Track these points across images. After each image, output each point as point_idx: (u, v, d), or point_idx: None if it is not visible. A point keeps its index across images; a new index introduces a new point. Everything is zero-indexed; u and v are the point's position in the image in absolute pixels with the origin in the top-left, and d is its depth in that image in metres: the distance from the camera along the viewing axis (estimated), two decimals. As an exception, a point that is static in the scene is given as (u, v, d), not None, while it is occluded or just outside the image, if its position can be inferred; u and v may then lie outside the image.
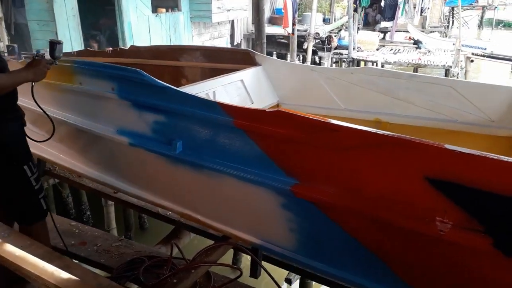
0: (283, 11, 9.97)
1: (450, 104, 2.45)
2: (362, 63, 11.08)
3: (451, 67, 10.33)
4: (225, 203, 2.06)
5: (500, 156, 1.20)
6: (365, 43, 12.32)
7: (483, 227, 1.28)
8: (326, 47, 11.32)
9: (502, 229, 1.26)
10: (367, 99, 2.68)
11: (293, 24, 8.54)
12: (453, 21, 20.05)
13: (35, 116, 2.85)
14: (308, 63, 9.98)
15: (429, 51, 11.87)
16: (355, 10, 12.24)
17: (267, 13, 11.38)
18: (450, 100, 2.44)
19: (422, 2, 14.33)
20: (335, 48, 11.75)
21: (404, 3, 13.47)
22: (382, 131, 1.40)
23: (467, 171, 1.27)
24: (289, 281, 3.49)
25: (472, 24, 24.52)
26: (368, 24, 16.24)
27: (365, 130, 1.42)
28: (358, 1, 13.55)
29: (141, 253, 2.69)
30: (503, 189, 1.22)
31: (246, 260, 4.96)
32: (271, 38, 11.19)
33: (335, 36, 12.30)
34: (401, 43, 13.62)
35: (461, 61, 11.14)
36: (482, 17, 25.70)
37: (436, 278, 1.49)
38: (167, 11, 8.42)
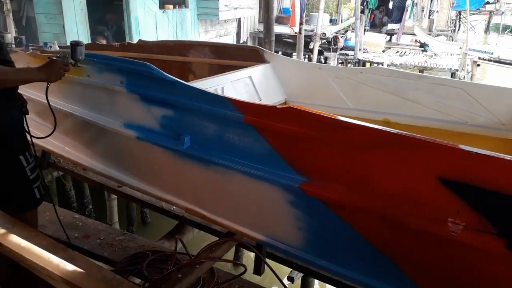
0: (290, 10, 9.95)
1: (459, 105, 2.43)
2: (368, 64, 11.06)
3: (457, 70, 10.29)
4: (231, 199, 2.05)
5: (515, 158, 1.19)
6: (371, 45, 12.28)
7: (496, 229, 1.26)
8: (332, 48, 11.29)
9: (516, 231, 1.25)
10: (375, 99, 2.66)
11: (300, 24, 8.51)
12: (459, 25, 19.97)
13: (40, 107, 2.84)
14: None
15: (435, 54, 11.82)
16: (362, 11, 12.20)
17: (274, 12, 11.34)
18: (459, 102, 2.41)
19: (430, 5, 14.26)
20: (341, 49, 11.72)
21: (412, 5, 13.41)
22: (395, 130, 1.38)
23: (482, 172, 1.25)
24: (291, 279, 3.48)
25: (478, 29, 24.42)
26: (375, 26, 16.19)
27: (379, 129, 1.40)
28: (365, 3, 13.51)
29: (145, 247, 2.69)
30: (517, 191, 1.20)
31: (248, 257, 4.95)
32: (277, 37, 11.16)
33: (342, 37, 12.26)
34: (407, 45, 13.57)
35: (468, 65, 11.09)
36: (489, 22, 25.58)
37: (446, 280, 1.48)
38: (174, 7, 8.43)
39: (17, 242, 1.75)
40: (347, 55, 11.53)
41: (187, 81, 2.05)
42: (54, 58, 1.98)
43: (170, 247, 2.80)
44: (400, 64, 10.69)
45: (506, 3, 24.83)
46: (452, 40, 16.28)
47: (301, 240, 1.85)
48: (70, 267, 1.62)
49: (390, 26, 15.31)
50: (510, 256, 1.24)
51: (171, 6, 8.33)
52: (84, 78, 2.41)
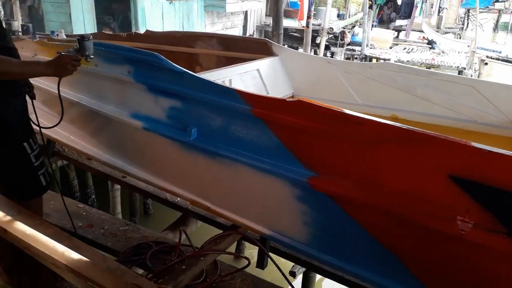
0: (299, 3, 9.87)
1: (469, 103, 2.39)
2: (374, 60, 10.99)
3: (464, 68, 10.21)
4: (237, 192, 2.04)
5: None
6: (378, 41, 12.20)
7: (507, 228, 1.24)
8: (339, 43, 11.22)
9: (527, 232, 1.23)
10: (384, 95, 2.63)
11: (308, 18, 8.45)
12: (468, 23, 19.77)
13: (47, 96, 2.84)
14: (320, 58, 9.87)
15: (443, 52, 11.73)
16: (370, 7, 12.09)
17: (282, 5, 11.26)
18: (469, 100, 2.38)
19: (440, 2, 14.12)
20: (348, 44, 11.65)
21: (422, 2, 13.27)
22: (407, 126, 1.36)
23: (493, 171, 1.23)
24: (293, 274, 3.48)
25: (487, 27, 24.16)
26: (383, 22, 16.05)
27: (390, 124, 1.38)
28: (373, -2, 13.36)
29: (148, 238, 2.68)
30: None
31: (249, 250, 4.96)
32: (284, 31, 11.05)
33: (349, 32, 12.18)
34: (414, 42, 13.47)
35: (475, 63, 11.00)
36: (497, 20, 25.31)
37: (453, 278, 1.47)
38: (181, -2, 8.37)
39: (23, 229, 1.75)
40: (354, 50, 11.46)
41: (194, 73, 2.04)
42: (63, 53, 1.91)
43: (173, 239, 2.80)
44: (407, 61, 10.61)
45: (516, 1, 24.54)
46: (460, 38, 16.13)
47: (307, 235, 1.84)
48: (75, 255, 1.62)
49: (398, 22, 15.18)
50: (521, 256, 1.23)
51: (178, -3, 8.28)
52: (92, 67, 2.40)
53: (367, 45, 11.18)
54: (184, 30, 8.16)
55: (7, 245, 2.00)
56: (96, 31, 6.39)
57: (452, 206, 1.32)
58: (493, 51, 12.02)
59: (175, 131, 2.05)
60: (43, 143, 2.13)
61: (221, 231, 2.57)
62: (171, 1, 8.06)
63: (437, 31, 14.64)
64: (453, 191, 1.31)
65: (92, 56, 1.96)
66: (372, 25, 12.90)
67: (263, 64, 2.84)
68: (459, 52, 11.77)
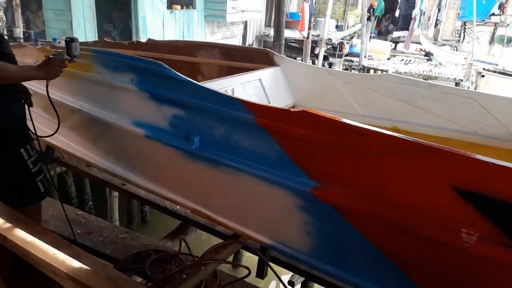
0: (299, 14, 9.98)
1: (470, 116, 2.41)
2: (372, 71, 11.07)
3: (462, 80, 10.30)
4: (239, 201, 2.03)
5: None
6: (376, 52, 12.31)
7: (512, 241, 1.24)
8: (338, 54, 11.30)
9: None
10: (385, 106, 2.64)
11: (309, 29, 8.53)
12: (464, 35, 19.99)
13: (47, 102, 2.83)
14: (319, 68, 9.94)
15: (440, 64, 11.84)
16: (369, 18, 12.22)
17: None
18: (470, 112, 2.40)
19: (438, 15, 14.29)
20: (346, 55, 11.73)
21: (421, 15, 13.43)
22: (410, 137, 1.37)
23: (498, 183, 1.24)
24: (292, 284, 3.45)
25: (483, 40, 24.42)
26: (380, 33, 16.22)
27: (393, 136, 1.39)
28: (372, 10, 13.53)
29: (147, 246, 2.67)
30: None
31: (247, 259, 4.92)
32: (283, 41, 11.18)
33: (347, 43, 12.28)
34: (412, 54, 13.59)
35: (472, 75, 11.10)
36: (493, 33, 25.60)
37: (458, 291, 1.46)
38: (182, 8, 8.44)
39: (22, 236, 1.73)
40: (352, 61, 11.54)
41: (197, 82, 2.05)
42: (51, 56, 1.99)
43: (172, 247, 2.78)
44: (405, 72, 10.69)
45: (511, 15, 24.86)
46: (457, 50, 16.30)
47: (309, 245, 1.83)
48: (75, 263, 1.61)
49: (396, 34, 15.33)
50: (525, 269, 1.23)
51: (178, 7, 8.34)
52: (94, 75, 2.41)
53: (365, 56, 11.27)
54: (185, 39, 8.21)
55: (6, 250, 1.98)
56: (97, 39, 6.42)
57: (457, 218, 1.33)
58: (490, 63, 12.15)
59: (178, 140, 2.05)
60: (40, 149, 2.12)
61: (220, 240, 2.56)
62: (172, 10, 8.12)
63: (435, 43, 14.80)
64: (458, 203, 1.31)
65: (77, 55, 2.06)
66: (370, 36, 13.03)
67: (265, 74, 2.86)
68: (456, 64, 11.88)
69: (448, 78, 10.53)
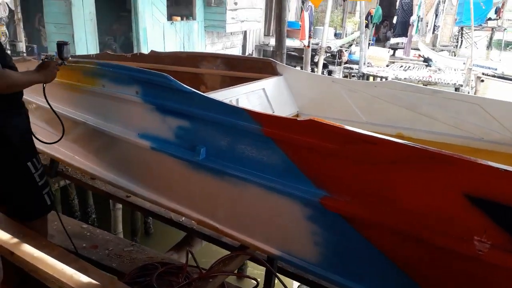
0: (299, 23, 10.06)
1: (475, 121, 2.41)
2: (371, 78, 11.12)
3: (461, 85, 10.34)
4: (246, 212, 2.02)
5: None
6: (375, 59, 12.37)
7: (526, 249, 1.23)
8: (337, 61, 11.36)
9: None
10: (389, 113, 2.64)
11: (309, 37, 8.59)
12: (461, 41, 20.10)
13: (50, 115, 2.84)
14: (319, 76, 9.99)
15: (439, 69, 11.89)
16: (367, 26, 12.31)
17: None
18: (475, 118, 2.40)
19: (435, 21, 14.40)
20: (346, 63, 11.80)
21: (418, 21, 13.53)
22: (420, 145, 1.37)
23: (510, 190, 1.23)
24: (298, 294, 3.42)
25: (480, 45, 24.56)
26: (379, 40, 16.32)
27: (403, 144, 1.38)
28: (369, 17, 13.64)
29: (153, 259, 2.65)
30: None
31: (251, 270, 4.89)
32: (282, 50, 11.24)
33: (346, 50, 12.35)
34: (410, 60, 13.66)
35: (472, 80, 11.14)
36: (491, 38, 25.75)
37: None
38: (182, 19, 8.51)
39: (30, 252, 1.72)
40: (352, 68, 11.61)
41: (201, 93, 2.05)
42: (46, 60, 2.05)
43: (178, 259, 2.76)
44: (405, 78, 10.74)
45: (508, 19, 25.02)
46: (455, 55, 16.38)
47: (317, 255, 1.82)
48: (83, 278, 1.59)
49: (394, 40, 15.43)
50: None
51: (178, 18, 8.41)
52: (99, 88, 2.41)
53: (364, 63, 11.33)
54: (185, 50, 8.26)
55: (12, 267, 1.96)
56: (98, 51, 6.46)
57: (469, 226, 1.32)
58: (489, 68, 12.18)
59: (184, 151, 2.05)
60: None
61: (225, 251, 2.54)
62: (172, 22, 8.18)
63: (433, 49, 14.87)
64: (469, 211, 1.30)
65: (66, 61, 2.16)
66: (369, 43, 13.11)
67: (268, 84, 2.87)
68: (455, 70, 11.93)
69: (448, 83, 10.57)
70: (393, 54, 14.37)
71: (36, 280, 1.75)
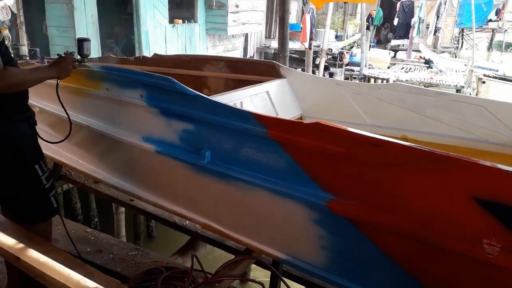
0: (301, 25, 10.08)
1: (480, 123, 2.40)
2: (372, 80, 11.12)
3: (463, 87, 10.33)
4: (251, 215, 2.01)
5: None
6: (376, 61, 12.39)
7: (536, 252, 1.22)
8: (338, 63, 11.37)
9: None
10: (393, 115, 2.64)
11: (310, 39, 8.60)
12: (462, 42, 20.11)
13: (54, 119, 2.84)
14: (320, 78, 9.99)
15: (440, 71, 11.88)
16: (368, 28, 12.32)
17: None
18: (480, 120, 2.39)
19: (437, 22, 14.40)
20: (347, 65, 11.80)
21: (419, 23, 13.54)
22: (428, 148, 1.36)
23: (520, 193, 1.22)
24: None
25: (481, 46, 24.57)
26: (380, 42, 16.33)
27: (410, 146, 1.38)
28: (370, 19, 13.65)
29: (158, 263, 2.65)
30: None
31: (255, 274, 4.87)
32: (283, 53, 11.24)
33: (347, 53, 12.36)
34: (411, 62, 13.66)
35: (473, 82, 11.13)
36: (491, 39, 25.76)
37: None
38: (183, 22, 8.53)
39: (36, 257, 1.71)
40: (353, 70, 11.61)
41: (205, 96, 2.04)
42: (62, 55, 2.01)
43: (183, 263, 2.76)
44: (406, 80, 10.74)
45: (509, 21, 25.06)
46: (456, 57, 16.38)
47: (324, 259, 1.81)
48: (90, 284, 1.58)
49: (394, 42, 15.44)
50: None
51: (180, 21, 8.43)
52: (103, 91, 2.41)
53: (365, 65, 11.33)
54: (187, 52, 8.27)
55: (16, 271, 1.96)
56: (100, 55, 6.47)
57: (478, 229, 1.31)
58: (490, 69, 12.19)
59: (189, 155, 2.04)
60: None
61: (230, 255, 2.53)
62: (173, 25, 8.20)
63: (434, 51, 14.88)
64: (478, 214, 1.29)
65: (86, 59, 2.12)
66: (370, 45, 13.13)
67: (272, 86, 2.87)
68: (456, 71, 11.93)
69: (449, 85, 10.56)
70: (394, 56, 14.37)
71: (40, 285, 1.75)
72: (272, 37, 12.32)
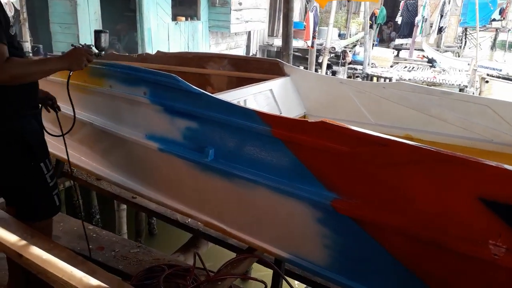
0: (304, 23, 10.04)
1: (485, 123, 2.39)
2: (375, 79, 11.08)
3: (466, 86, 10.29)
4: (255, 214, 2.01)
5: None
6: (379, 60, 12.33)
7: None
8: (341, 62, 11.33)
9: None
10: (397, 114, 2.62)
11: (313, 38, 8.57)
12: (465, 41, 20.03)
13: (53, 116, 2.83)
14: (323, 77, 9.97)
15: (444, 70, 11.84)
16: (371, 26, 12.27)
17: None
18: (485, 119, 2.38)
19: (441, 21, 14.33)
20: (350, 63, 11.76)
21: (423, 22, 13.48)
22: (433, 147, 1.35)
23: (526, 194, 1.21)
24: (305, 297, 3.41)
25: (484, 46, 24.47)
26: (383, 41, 16.27)
27: (417, 146, 1.36)
28: (374, 18, 13.60)
29: (160, 261, 2.64)
30: None
31: (255, 272, 4.87)
32: (286, 51, 11.21)
33: (350, 51, 12.32)
34: (414, 61, 13.61)
35: (476, 81, 11.09)
36: (495, 39, 25.65)
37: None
38: (186, 19, 8.51)
39: (39, 254, 1.71)
40: (356, 69, 11.57)
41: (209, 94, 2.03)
42: (77, 46, 1.92)
43: (185, 261, 2.75)
44: (409, 79, 10.69)
45: (512, 20, 24.92)
46: (459, 56, 16.32)
47: (327, 258, 1.80)
48: (93, 281, 1.58)
49: (398, 41, 15.37)
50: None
51: (183, 18, 8.41)
52: (106, 88, 2.40)
53: (368, 64, 11.29)
54: (190, 50, 8.26)
55: (18, 268, 1.96)
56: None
57: (484, 229, 1.30)
58: (494, 69, 12.13)
59: (192, 152, 2.03)
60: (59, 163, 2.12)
61: (232, 253, 2.53)
62: (176, 22, 8.18)
63: (437, 50, 14.82)
64: (484, 214, 1.28)
65: (103, 52, 2.00)
66: (373, 44, 13.07)
67: (276, 84, 2.85)
68: (459, 70, 11.88)
69: (453, 84, 10.52)
70: (397, 55, 14.32)
71: (41, 282, 1.74)
72: (274, 35, 12.29)
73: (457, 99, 2.48)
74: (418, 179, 1.40)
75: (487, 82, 11.77)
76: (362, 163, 1.49)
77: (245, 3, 9.13)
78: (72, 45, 1.93)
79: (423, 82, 10.64)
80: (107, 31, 2.02)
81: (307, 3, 13.64)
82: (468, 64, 11.55)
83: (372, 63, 11.75)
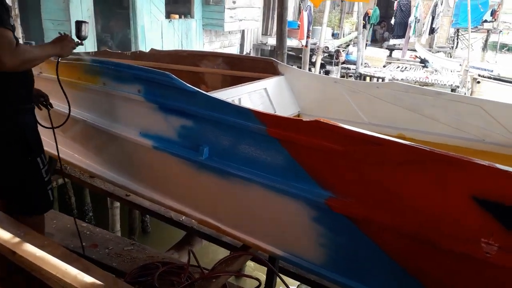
0: (298, 23, 10.05)
1: (476, 123, 2.42)
2: (368, 79, 11.15)
3: (458, 87, 10.39)
4: (249, 212, 2.02)
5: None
6: (372, 60, 12.40)
7: (533, 251, 1.24)
8: (334, 61, 11.37)
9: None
10: (391, 114, 2.65)
11: (307, 37, 8.58)
12: (457, 42, 20.21)
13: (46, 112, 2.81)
14: (316, 76, 9.99)
15: (436, 70, 11.94)
16: (364, 26, 12.33)
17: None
18: (477, 119, 2.41)
19: (432, 22, 14.45)
20: (343, 63, 11.81)
21: (415, 22, 13.58)
22: (427, 147, 1.37)
23: (517, 192, 1.23)
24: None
25: (476, 47, 24.71)
26: (376, 41, 16.35)
27: (410, 145, 1.38)
28: (367, 18, 13.66)
29: (154, 258, 2.64)
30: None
31: (248, 269, 4.88)
32: (280, 50, 11.22)
33: (343, 51, 12.37)
34: (407, 61, 13.71)
35: (468, 82, 11.20)
36: (486, 40, 25.92)
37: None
38: (180, 17, 8.47)
39: (32, 251, 1.70)
40: (349, 69, 11.62)
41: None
42: (63, 34, 2.03)
43: (179, 259, 2.75)
44: (402, 79, 10.76)
45: (504, 22, 25.20)
46: (451, 56, 16.46)
47: (322, 256, 1.82)
48: (87, 278, 1.58)
49: (392, 41, 15.46)
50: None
51: (177, 16, 8.37)
52: (100, 86, 2.39)
53: (361, 64, 11.35)
54: (183, 48, 8.23)
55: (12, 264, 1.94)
56: (96, 49, 6.41)
57: (476, 228, 1.32)
58: (485, 69, 12.27)
59: (187, 150, 2.04)
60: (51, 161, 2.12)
61: (225, 250, 2.53)
62: (170, 20, 8.14)
63: (430, 50, 14.94)
64: (477, 213, 1.31)
65: (84, 40, 2.14)
66: (366, 44, 13.14)
67: (270, 83, 2.86)
68: (451, 71, 11.99)
69: (445, 84, 10.62)
70: (390, 55, 14.41)
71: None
72: (268, 34, 12.29)
73: (449, 99, 2.51)
74: (412, 178, 1.42)
75: (478, 82, 11.90)
76: (356, 162, 1.51)
77: (239, 2, 9.12)
78: (59, 33, 2.05)
79: (415, 82, 10.71)
80: (87, 21, 2.18)
81: (301, 2, 13.66)
82: (460, 65, 11.67)
83: (365, 63, 11.81)
